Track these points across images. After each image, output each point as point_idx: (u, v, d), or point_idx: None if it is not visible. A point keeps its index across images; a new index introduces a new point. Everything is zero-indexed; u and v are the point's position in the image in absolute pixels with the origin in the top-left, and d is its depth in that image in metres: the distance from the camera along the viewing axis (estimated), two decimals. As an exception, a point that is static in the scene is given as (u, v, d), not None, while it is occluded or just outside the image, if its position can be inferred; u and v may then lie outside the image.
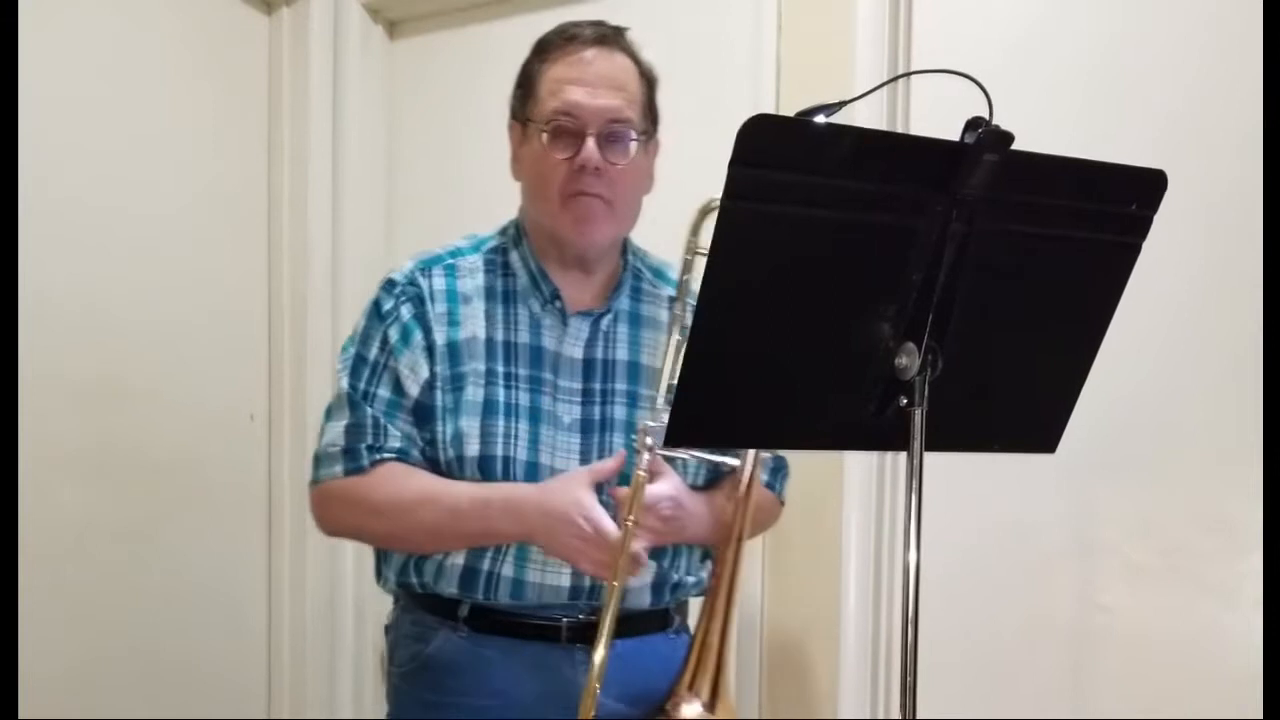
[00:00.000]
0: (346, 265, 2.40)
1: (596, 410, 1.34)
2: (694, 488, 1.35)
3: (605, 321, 1.37)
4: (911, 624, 1.00)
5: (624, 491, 1.22)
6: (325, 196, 2.40)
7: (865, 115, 1.73)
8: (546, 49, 1.33)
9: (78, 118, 1.97)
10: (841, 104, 1.10)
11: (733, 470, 1.30)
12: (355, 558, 2.35)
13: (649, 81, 1.37)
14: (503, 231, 1.42)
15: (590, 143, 1.28)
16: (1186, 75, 1.65)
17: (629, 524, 1.19)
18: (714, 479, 1.38)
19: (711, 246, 0.93)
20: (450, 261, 1.38)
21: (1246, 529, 1.54)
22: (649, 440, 1.21)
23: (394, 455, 1.30)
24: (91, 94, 2.00)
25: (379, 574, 1.42)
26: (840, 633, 1.88)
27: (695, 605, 1.36)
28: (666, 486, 1.26)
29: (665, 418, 1.20)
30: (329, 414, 1.35)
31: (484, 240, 1.42)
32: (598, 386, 1.35)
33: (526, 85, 1.34)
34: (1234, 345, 1.55)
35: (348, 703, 2.39)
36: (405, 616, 1.39)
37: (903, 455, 1.02)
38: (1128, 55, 1.69)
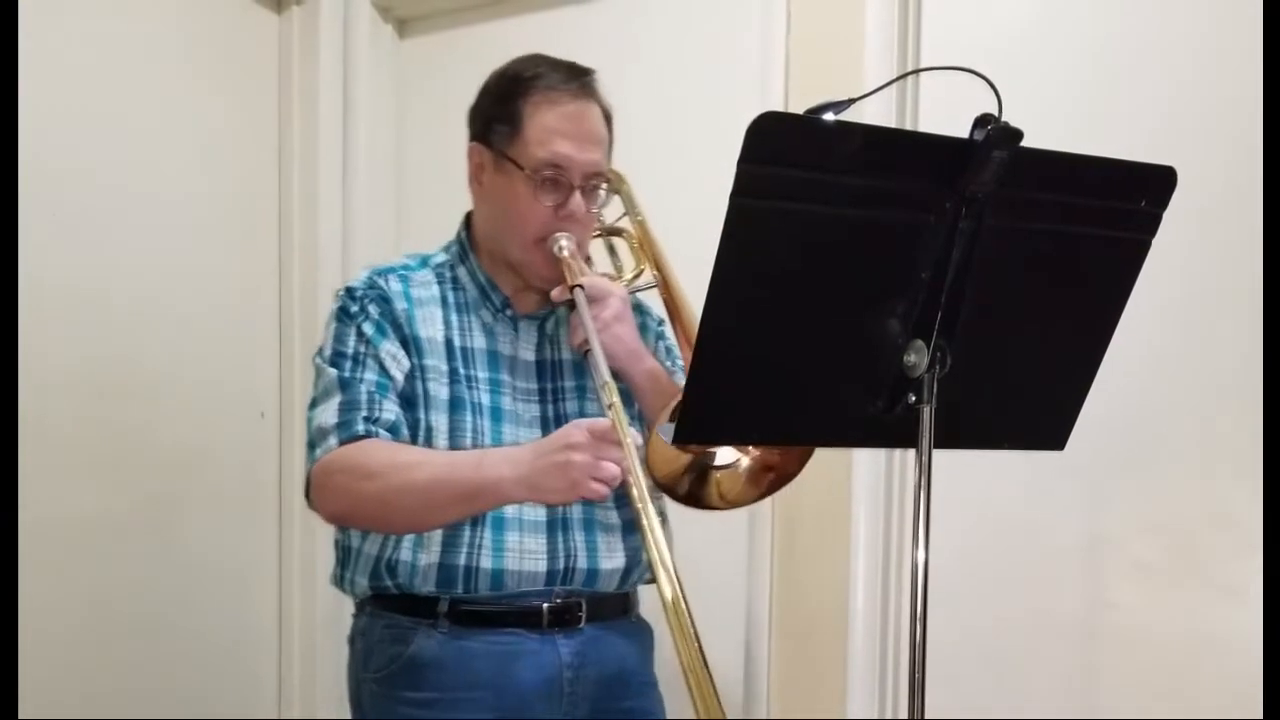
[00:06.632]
0: (356, 262, 2.40)
1: (551, 408, 1.40)
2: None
3: (549, 324, 1.43)
4: (920, 621, 1.01)
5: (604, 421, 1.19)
6: (335, 194, 2.40)
7: (874, 112, 1.73)
8: (528, 90, 1.34)
9: (88, 117, 1.98)
10: (850, 101, 1.10)
11: None
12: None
13: (610, 122, 1.40)
14: (446, 249, 1.47)
15: (577, 195, 1.33)
16: (1190, 73, 1.64)
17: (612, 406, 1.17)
18: None
19: (720, 243, 0.93)
20: (403, 272, 1.41)
21: (1254, 527, 1.53)
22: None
23: (388, 429, 1.30)
24: (102, 92, 2.01)
25: (341, 577, 1.41)
26: (849, 630, 1.89)
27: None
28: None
29: None
30: (315, 403, 1.35)
31: (429, 257, 1.46)
32: (550, 385, 1.41)
33: (507, 121, 1.35)
34: (1242, 342, 1.55)
35: (358, 698, 2.40)
36: (376, 623, 1.39)
37: (911, 452, 1.02)
38: (1139, 53, 1.69)
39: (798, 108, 1.08)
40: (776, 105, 1.90)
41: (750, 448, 1.30)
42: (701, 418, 1.01)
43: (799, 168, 0.92)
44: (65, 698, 1.93)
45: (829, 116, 1.05)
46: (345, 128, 2.41)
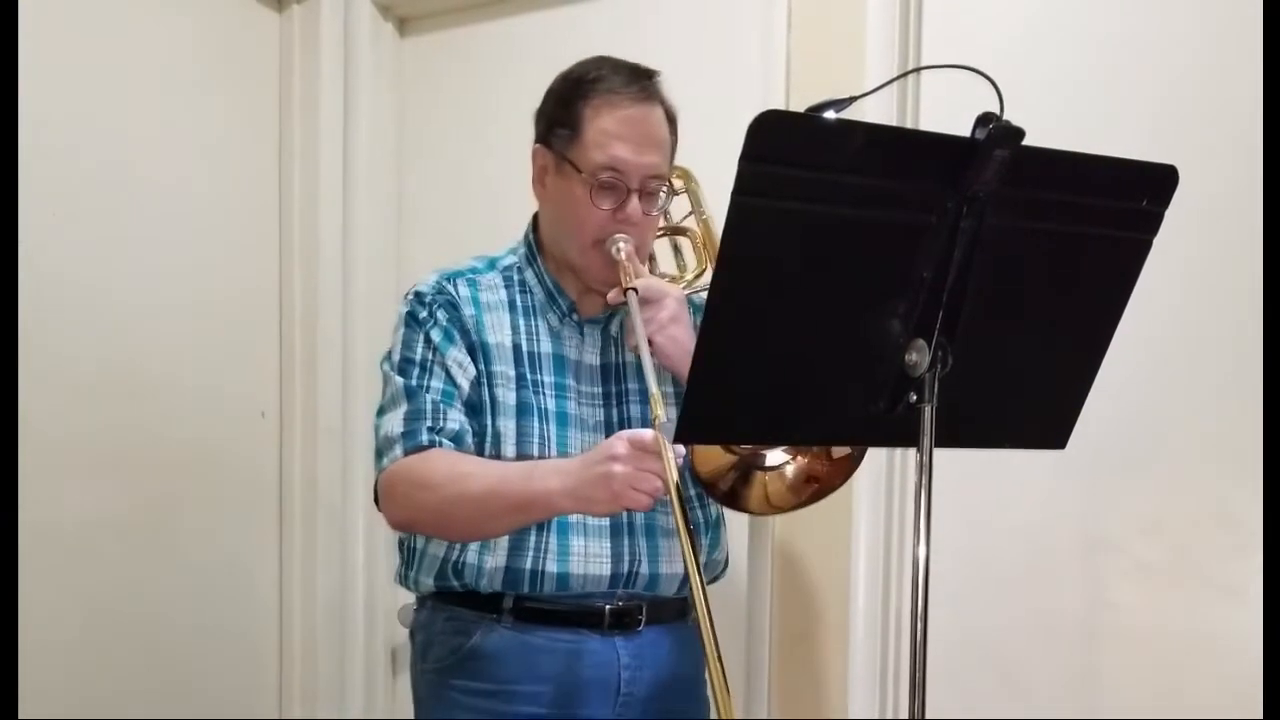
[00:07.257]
0: (357, 262, 2.41)
1: (615, 411, 1.41)
2: None
3: (614, 327, 1.44)
4: (921, 620, 1.01)
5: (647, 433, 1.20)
6: (336, 193, 2.40)
7: (875, 111, 1.72)
8: (589, 93, 1.34)
9: (88, 116, 1.97)
10: (851, 99, 1.10)
11: None
12: (366, 553, 2.36)
13: (674, 125, 1.41)
14: (513, 251, 1.47)
15: (634, 199, 1.33)
16: (1190, 73, 1.64)
17: (658, 418, 1.18)
18: None
19: (722, 242, 0.93)
20: (471, 276, 1.42)
21: (1254, 527, 1.53)
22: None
23: (452, 439, 1.32)
24: (102, 91, 2.00)
25: (405, 577, 1.43)
26: (849, 629, 1.88)
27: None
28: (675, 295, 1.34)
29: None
30: (382, 411, 1.36)
31: (497, 259, 1.47)
32: (614, 389, 1.42)
33: (568, 124, 1.35)
34: (1242, 342, 1.55)
35: (359, 698, 2.40)
36: (438, 615, 1.41)
37: (912, 451, 1.02)
38: (1139, 53, 1.69)
39: (799, 106, 1.08)
40: (778, 104, 1.89)
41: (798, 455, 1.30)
42: (702, 417, 1.01)
43: (800, 166, 0.92)
44: (65, 698, 1.93)
45: (830, 115, 1.05)
46: (346, 126, 2.40)
